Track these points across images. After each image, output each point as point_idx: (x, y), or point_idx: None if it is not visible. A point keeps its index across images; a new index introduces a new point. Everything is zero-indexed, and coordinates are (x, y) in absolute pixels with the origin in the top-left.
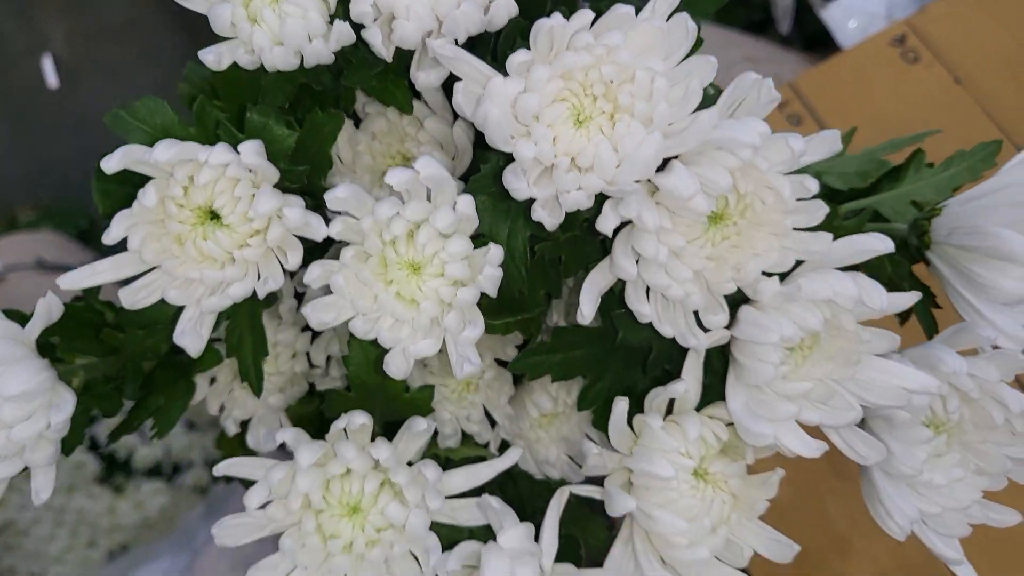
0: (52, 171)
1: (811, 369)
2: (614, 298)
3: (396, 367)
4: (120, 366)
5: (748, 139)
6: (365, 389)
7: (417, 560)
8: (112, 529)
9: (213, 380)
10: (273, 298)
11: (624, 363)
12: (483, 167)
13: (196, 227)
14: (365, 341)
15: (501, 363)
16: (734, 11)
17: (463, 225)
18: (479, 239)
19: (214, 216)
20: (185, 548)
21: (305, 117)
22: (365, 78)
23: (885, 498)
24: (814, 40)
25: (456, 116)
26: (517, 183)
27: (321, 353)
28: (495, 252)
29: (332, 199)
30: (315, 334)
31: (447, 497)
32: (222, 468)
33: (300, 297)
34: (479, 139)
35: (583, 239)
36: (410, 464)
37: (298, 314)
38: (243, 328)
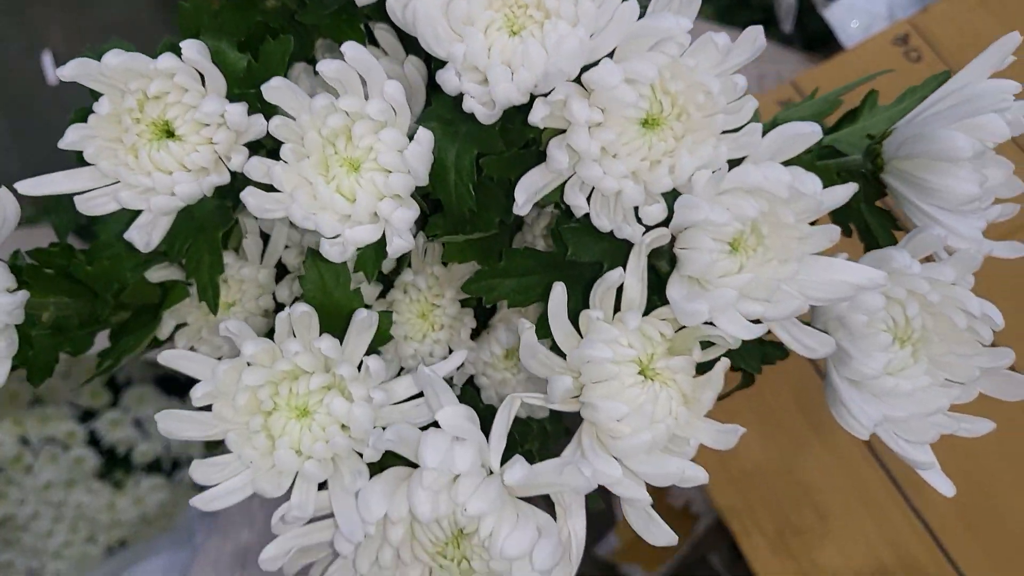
0: (51, 167)
1: (755, 269)
2: (565, 221)
3: (333, 252)
4: (90, 309)
5: (667, 24)
6: (322, 311)
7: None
8: (111, 525)
9: (183, 325)
10: (228, 217)
11: (583, 291)
12: (435, 102)
13: (152, 141)
14: (322, 261)
15: (464, 304)
16: (736, 12)
17: (398, 120)
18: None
19: (169, 134)
20: (184, 545)
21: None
22: (319, 17)
23: (847, 400)
24: (814, 40)
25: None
26: (448, 75)
27: (286, 291)
28: (422, 132)
29: (267, 89)
30: (280, 275)
31: (396, 403)
32: (166, 357)
33: (266, 238)
34: (432, 81)
35: (528, 156)
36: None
37: (265, 254)
38: (202, 251)
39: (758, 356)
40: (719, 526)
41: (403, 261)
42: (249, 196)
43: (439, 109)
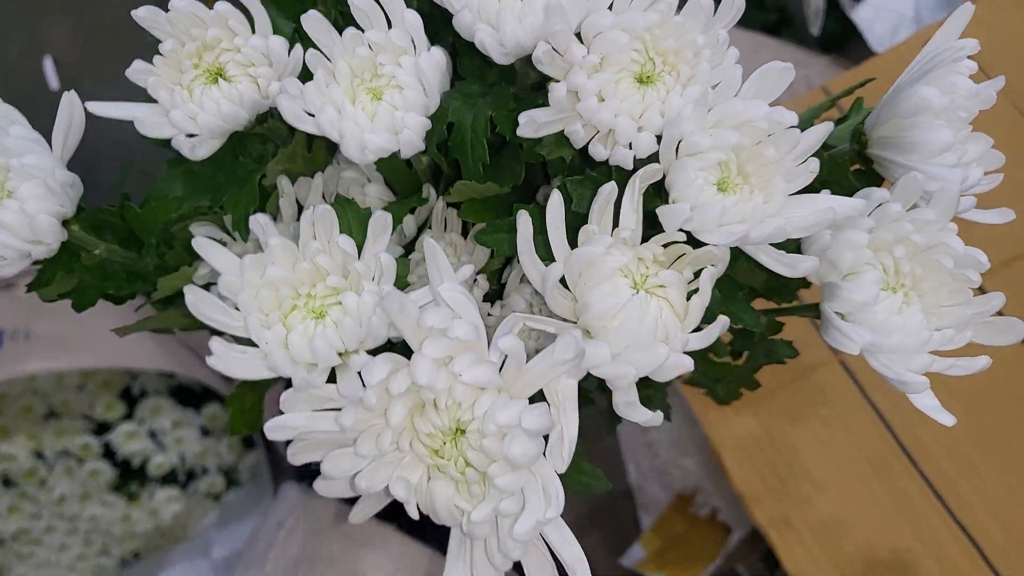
0: None
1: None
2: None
3: (354, 151)
4: (136, 257)
5: None
6: None
7: None
8: (125, 537)
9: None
10: (265, 162)
11: None
12: (457, 87)
13: (206, 84)
14: (348, 207)
15: (479, 273)
16: (749, 13)
17: (417, 49)
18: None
19: (221, 78)
20: (199, 556)
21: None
22: None
23: (839, 324)
24: (833, 42)
25: None
26: (463, 14)
27: None
28: (435, 48)
29: (305, 19)
30: None
31: None
32: (198, 243)
33: (300, 207)
34: (455, 63)
35: None
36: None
37: (296, 219)
38: (240, 193)
39: (755, 315)
40: (751, 538)
41: (423, 227)
42: (283, 99)
43: (462, 88)
